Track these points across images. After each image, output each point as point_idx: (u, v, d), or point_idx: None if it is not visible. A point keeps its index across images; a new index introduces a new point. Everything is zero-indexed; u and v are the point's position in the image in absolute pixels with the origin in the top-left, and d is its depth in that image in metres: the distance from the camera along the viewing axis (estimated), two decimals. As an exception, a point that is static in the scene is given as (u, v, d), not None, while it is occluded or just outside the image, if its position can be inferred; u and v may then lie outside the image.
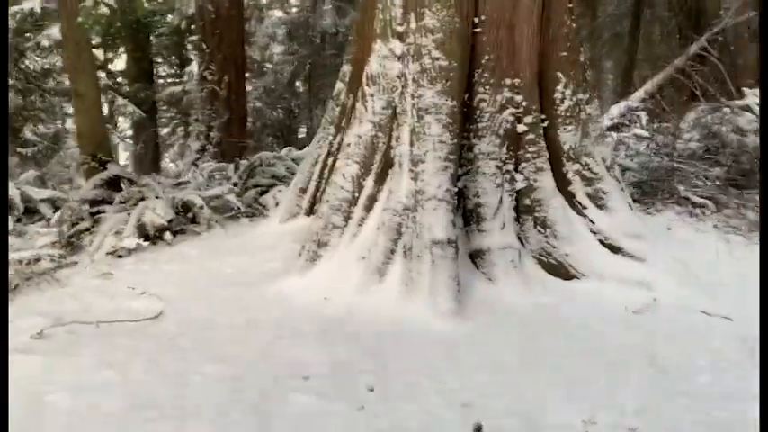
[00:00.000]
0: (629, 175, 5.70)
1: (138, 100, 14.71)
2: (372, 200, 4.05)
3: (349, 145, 4.13)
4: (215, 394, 2.64)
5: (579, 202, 4.20)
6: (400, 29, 4.00)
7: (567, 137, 4.19)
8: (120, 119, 16.03)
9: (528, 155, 4.13)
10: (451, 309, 3.49)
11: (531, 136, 4.12)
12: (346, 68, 5.03)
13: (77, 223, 5.89)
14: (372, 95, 4.08)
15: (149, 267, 4.74)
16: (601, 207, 4.18)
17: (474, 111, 4.05)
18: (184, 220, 5.85)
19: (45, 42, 14.38)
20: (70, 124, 17.18)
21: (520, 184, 4.13)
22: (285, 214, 5.40)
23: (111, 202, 6.14)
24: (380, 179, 4.06)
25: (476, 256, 3.98)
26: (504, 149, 4.05)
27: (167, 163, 16.94)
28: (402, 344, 3.20)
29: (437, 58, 3.80)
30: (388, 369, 2.93)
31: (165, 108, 16.03)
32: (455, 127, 3.83)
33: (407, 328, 3.37)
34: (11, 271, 4.71)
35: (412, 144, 3.85)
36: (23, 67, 13.76)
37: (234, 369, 2.86)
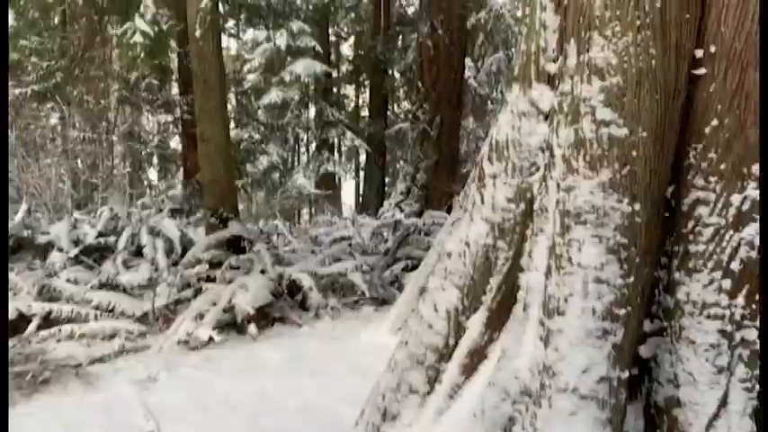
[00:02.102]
0: None
1: (367, 135, 14.86)
2: (477, 357, 2.36)
3: (449, 255, 2.50)
4: None
5: None
6: (551, 67, 2.29)
7: None
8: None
9: (795, 315, 2.08)
10: None
11: (804, 279, 2.06)
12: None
13: (185, 289, 5.10)
14: (495, 177, 2.40)
15: (204, 376, 3.62)
16: None
17: (682, 221, 2.14)
18: (291, 302, 4.69)
19: (287, 77, 15.10)
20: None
21: (772, 371, 2.09)
22: (398, 321, 3.91)
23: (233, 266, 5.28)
24: (495, 322, 2.35)
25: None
26: (741, 299, 2.06)
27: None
28: None
29: (606, 122, 2.00)
30: None
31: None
32: (636, 253, 1.98)
33: None
34: (52, 357, 3.97)
35: (549, 273, 2.11)
36: (266, 102, 14.32)
37: None
